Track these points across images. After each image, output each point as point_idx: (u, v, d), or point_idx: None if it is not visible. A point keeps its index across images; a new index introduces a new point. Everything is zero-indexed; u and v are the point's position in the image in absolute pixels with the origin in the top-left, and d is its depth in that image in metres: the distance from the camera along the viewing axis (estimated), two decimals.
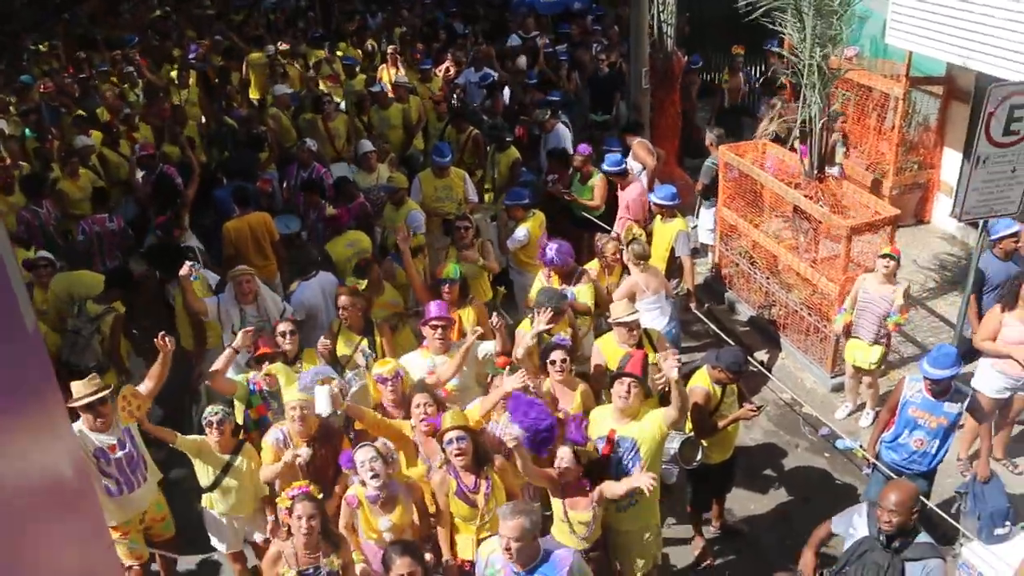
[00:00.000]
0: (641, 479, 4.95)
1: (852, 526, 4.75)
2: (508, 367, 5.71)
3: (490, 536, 5.18)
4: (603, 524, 5.42)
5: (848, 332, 7.36)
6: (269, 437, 5.68)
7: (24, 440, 1.78)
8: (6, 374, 1.69)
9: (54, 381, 2.00)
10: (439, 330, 6.23)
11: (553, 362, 5.90)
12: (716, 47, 15.53)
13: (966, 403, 5.77)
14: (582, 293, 7.15)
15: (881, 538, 4.54)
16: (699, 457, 5.90)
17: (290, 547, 4.89)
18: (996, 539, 5.53)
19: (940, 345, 5.78)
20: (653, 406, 5.77)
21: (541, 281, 7.41)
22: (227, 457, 5.76)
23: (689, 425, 6.05)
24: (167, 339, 5.92)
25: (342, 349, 6.69)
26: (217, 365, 6.07)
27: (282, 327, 6.47)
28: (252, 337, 6.29)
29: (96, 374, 5.79)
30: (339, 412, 5.54)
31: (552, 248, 7.18)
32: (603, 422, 5.43)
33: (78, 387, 5.56)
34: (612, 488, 5.14)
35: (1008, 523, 5.60)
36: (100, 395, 5.55)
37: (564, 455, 5.11)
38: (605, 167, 9.19)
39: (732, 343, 7.28)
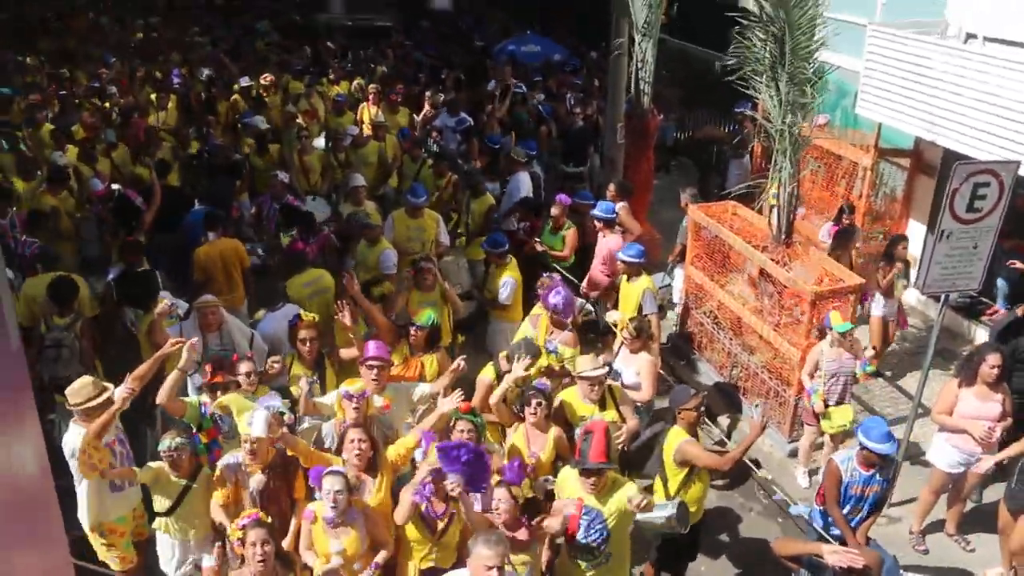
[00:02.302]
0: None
1: None
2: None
3: (434, 566, 5.24)
4: None
5: (825, 404, 7.31)
6: (224, 460, 5.72)
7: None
8: None
9: (29, 390, 2.12)
10: (375, 370, 6.16)
11: (529, 403, 5.93)
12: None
13: (891, 469, 5.86)
14: (566, 351, 6.93)
15: None
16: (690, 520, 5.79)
17: None
18: None
19: (875, 420, 5.82)
20: (616, 470, 5.69)
21: (528, 329, 7.40)
22: (184, 482, 5.75)
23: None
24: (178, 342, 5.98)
25: (293, 384, 6.58)
26: (166, 386, 5.92)
27: (244, 367, 6.29)
28: (213, 363, 6.32)
29: (89, 377, 5.88)
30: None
31: (559, 294, 7.09)
32: (571, 486, 5.32)
33: (75, 392, 5.68)
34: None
35: (901, 571, 5.65)
36: (106, 396, 5.72)
37: (501, 496, 5.12)
38: (596, 212, 9.20)
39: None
